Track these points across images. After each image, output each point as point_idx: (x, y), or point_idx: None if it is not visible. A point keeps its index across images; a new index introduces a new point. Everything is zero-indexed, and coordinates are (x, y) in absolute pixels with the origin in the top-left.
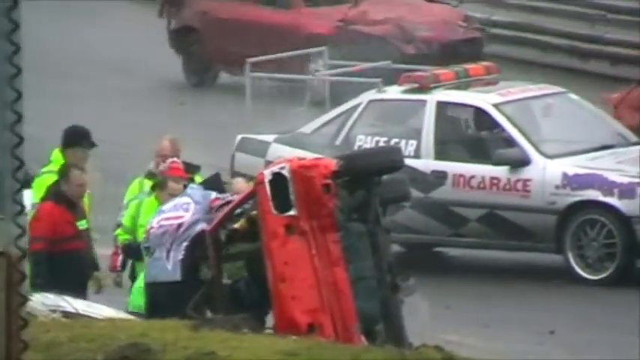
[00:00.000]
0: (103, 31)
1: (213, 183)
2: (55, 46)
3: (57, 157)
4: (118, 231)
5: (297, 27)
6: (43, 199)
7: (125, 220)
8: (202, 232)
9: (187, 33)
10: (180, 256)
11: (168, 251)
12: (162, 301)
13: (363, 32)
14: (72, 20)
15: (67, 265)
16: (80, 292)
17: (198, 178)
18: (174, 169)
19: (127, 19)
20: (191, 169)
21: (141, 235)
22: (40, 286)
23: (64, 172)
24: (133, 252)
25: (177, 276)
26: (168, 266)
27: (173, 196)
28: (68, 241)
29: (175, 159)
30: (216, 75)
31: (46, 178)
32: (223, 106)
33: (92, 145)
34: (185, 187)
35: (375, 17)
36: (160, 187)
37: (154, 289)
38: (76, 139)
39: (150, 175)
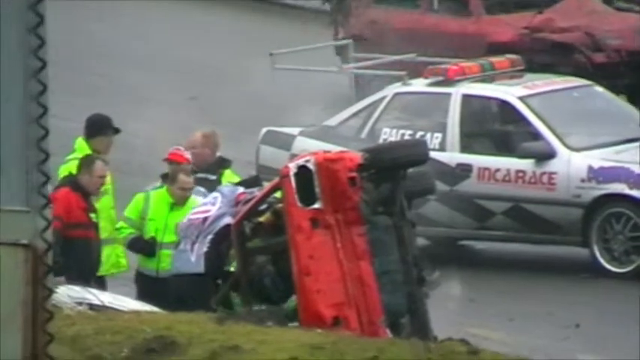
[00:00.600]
0: (114, 26)
1: (252, 184)
2: (69, 40)
3: (81, 146)
4: (121, 224)
5: (479, 35)
6: (59, 186)
7: (130, 212)
8: (228, 225)
9: (356, 43)
10: (205, 249)
11: (193, 244)
12: (186, 293)
13: (550, 40)
14: (82, 15)
15: (78, 252)
16: (88, 280)
17: (228, 173)
18: (173, 155)
19: (139, 14)
20: (223, 163)
21: (150, 230)
22: (57, 266)
23: (88, 163)
24: (140, 246)
25: (200, 268)
26: (192, 258)
27: (184, 189)
28: (81, 228)
29: (179, 147)
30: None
31: (71, 166)
32: (245, 99)
33: (116, 131)
34: (201, 179)
35: (562, 25)
36: (171, 179)
37: (178, 281)
38: (101, 127)
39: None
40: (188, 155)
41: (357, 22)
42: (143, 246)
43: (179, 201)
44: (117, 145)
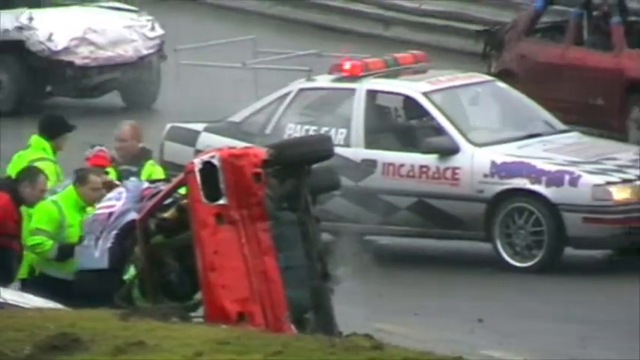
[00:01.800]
0: None
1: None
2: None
3: (37, 142)
4: (40, 238)
5: (619, 70)
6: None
7: (45, 225)
8: (133, 221)
9: (506, 77)
10: (109, 244)
11: (97, 239)
12: (90, 289)
13: None
14: None
15: (3, 261)
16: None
17: (150, 163)
18: (96, 158)
19: None
20: (145, 154)
21: (72, 236)
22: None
23: (32, 175)
24: (70, 253)
25: (104, 264)
26: (96, 254)
27: (95, 189)
28: (6, 237)
29: (102, 147)
30: None
31: (44, 165)
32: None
33: (73, 127)
34: (124, 171)
35: None
36: (81, 181)
37: (81, 276)
38: (61, 126)
39: (112, 161)
40: (109, 155)
41: (509, 56)
42: (72, 251)
43: (90, 202)
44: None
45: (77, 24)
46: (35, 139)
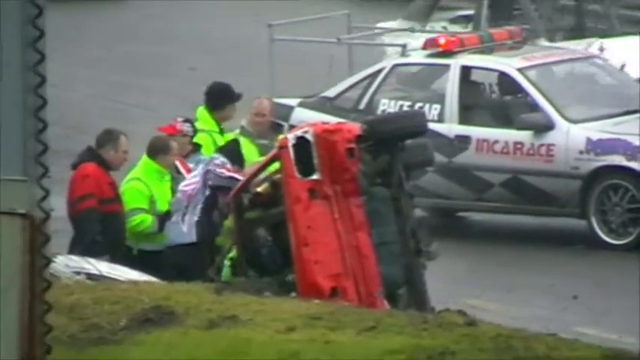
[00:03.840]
0: None
1: (231, 150)
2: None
3: (203, 115)
4: (137, 218)
5: None
6: (82, 161)
7: (138, 203)
8: (214, 193)
9: None
10: (196, 218)
11: (184, 215)
12: (181, 263)
13: None
14: None
15: (108, 227)
16: (119, 254)
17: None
18: (167, 128)
19: None
20: (277, 128)
21: (161, 206)
22: (100, 244)
23: (113, 138)
24: (168, 219)
25: (192, 237)
26: (184, 228)
27: (174, 155)
28: (110, 202)
29: (178, 119)
30: None
31: (201, 138)
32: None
33: (239, 97)
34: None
35: None
36: (164, 150)
37: (172, 252)
38: (227, 97)
39: (243, 131)
40: (180, 126)
41: None
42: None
43: (170, 168)
44: (117, 116)
45: None
46: (200, 112)
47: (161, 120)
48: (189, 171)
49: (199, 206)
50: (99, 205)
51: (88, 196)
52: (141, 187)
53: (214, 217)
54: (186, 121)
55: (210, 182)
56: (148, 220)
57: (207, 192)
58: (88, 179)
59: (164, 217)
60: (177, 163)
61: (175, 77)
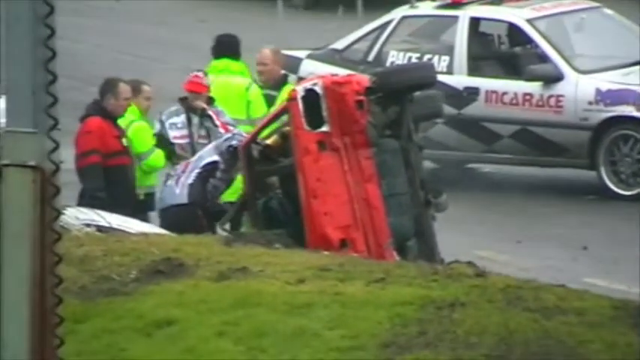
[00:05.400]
0: None
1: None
2: None
3: (242, 68)
4: (154, 157)
5: None
6: (87, 115)
7: (149, 142)
8: (215, 162)
9: None
10: (190, 181)
11: (179, 178)
12: (174, 224)
13: None
14: None
15: (116, 180)
16: (127, 207)
17: (287, 88)
18: (190, 84)
19: None
20: (285, 79)
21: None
22: (102, 200)
23: (112, 86)
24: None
25: (184, 198)
26: (177, 190)
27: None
28: (116, 156)
29: (198, 73)
30: None
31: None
32: (253, 22)
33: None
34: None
35: None
36: (136, 92)
37: (165, 214)
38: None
39: (255, 82)
40: (206, 82)
41: None
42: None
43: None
44: (127, 68)
45: None
46: (240, 66)
47: (171, 72)
48: (223, 125)
49: (196, 171)
50: (104, 159)
51: (92, 152)
52: (145, 126)
53: (209, 187)
54: (206, 74)
55: (234, 142)
56: (162, 155)
57: (210, 160)
58: (90, 135)
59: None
60: (213, 115)
61: (184, 29)
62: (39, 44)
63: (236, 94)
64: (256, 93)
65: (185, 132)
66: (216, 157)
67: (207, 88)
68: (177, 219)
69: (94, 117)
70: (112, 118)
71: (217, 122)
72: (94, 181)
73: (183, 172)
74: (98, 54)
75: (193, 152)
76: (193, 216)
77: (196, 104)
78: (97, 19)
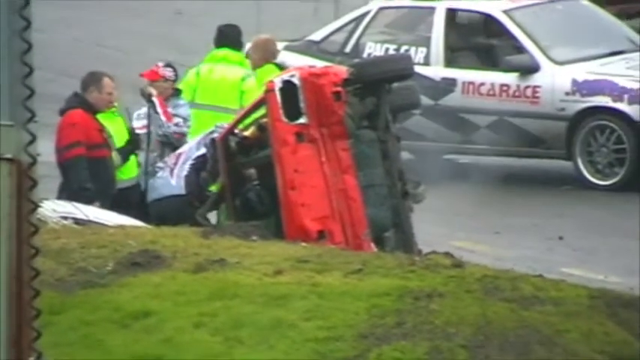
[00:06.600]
0: None
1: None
2: None
3: (243, 60)
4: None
5: None
6: (69, 107)
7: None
8: (204, 154)
9: None
10: (185, 173)
11: (172, 170)
12: (167, 214)
13: None
14: None
15: (97, 173)
16: (107, 199)
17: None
18: (149, 73)
19: None
20: (281, 69)
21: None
22: (89, 191)
23: (96, 79)
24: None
25: (181, 189)
26: (173, 182)
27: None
28: (98, 148)
29: (159, 63)
30: None
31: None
32: (230, 13)
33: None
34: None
35: None
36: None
37: (159, 203)
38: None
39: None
40: (162, 71)
41: None
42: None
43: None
44: (104, 59)
45: None
46: (240, 57)
47: (147, 64)
48: (166, 113)
49: (189, 162)
50: (87, 151)
51: (76, 144)
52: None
53: (201, 181)
54: (168, 65)
55: (215, 135)
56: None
57: (200, 152)
58: (75, 126)
59: (125, 150)
60: (156, 101)
61: (162, 21)
62: (15, 36)
63: (230, 84)
64: (252, 84)
65: (145, 122)
66: (204, 150)
67: (163, 77)
68: (173, 210)
69: (76, 109)
70: (94, 111)
71: (159, 109)
72: (80, 173)
73: (175, 164)
74: (76, 46)
75: (149, 143)
76: (191, 207)
77: (146, 89)
78: (74, 11)
